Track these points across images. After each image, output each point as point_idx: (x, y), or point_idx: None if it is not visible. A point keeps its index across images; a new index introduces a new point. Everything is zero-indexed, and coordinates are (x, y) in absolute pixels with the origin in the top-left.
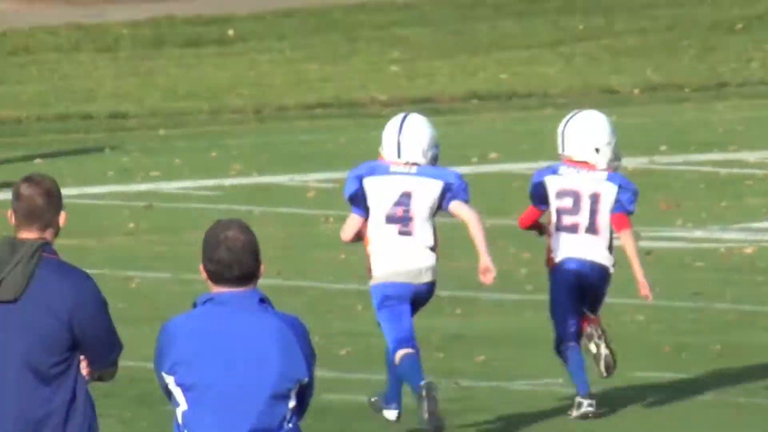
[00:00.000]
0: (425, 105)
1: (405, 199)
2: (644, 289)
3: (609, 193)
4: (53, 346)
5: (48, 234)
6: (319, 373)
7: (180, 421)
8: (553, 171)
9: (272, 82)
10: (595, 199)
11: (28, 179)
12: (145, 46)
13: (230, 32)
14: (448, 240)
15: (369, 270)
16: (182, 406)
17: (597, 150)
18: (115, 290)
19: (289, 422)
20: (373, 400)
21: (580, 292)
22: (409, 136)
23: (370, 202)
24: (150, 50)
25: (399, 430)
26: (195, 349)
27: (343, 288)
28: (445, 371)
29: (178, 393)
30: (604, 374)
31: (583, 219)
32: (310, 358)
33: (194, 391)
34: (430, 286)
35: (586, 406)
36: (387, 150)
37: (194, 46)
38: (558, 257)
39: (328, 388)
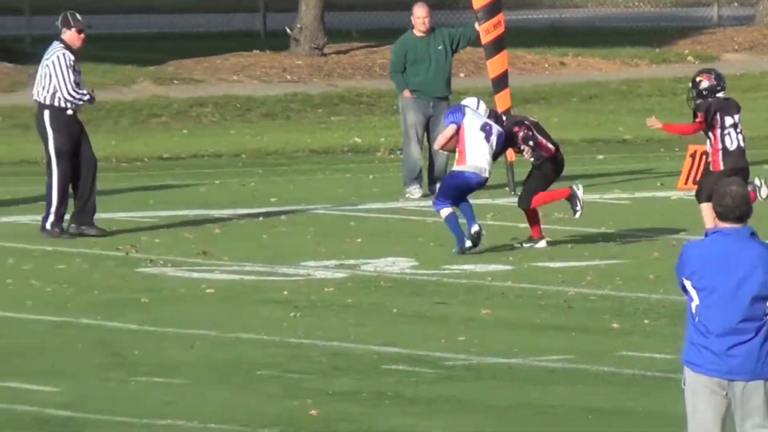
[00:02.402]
0: None
1: (487, 126)
2: None
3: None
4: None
5: None
6: None
7: (693, 311)
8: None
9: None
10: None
11: None
12: None
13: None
14: None
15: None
16: (695, 301)
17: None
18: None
19: (766, 315)
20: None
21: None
22: (481, 103)
23: (465, 124)
24: None
25: None
26: (705, 264)
27: None
28: None
29: (693, 292)
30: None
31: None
32: None
33: (704, 292)
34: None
35: None
36: (470, 103)
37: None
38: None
39: None
